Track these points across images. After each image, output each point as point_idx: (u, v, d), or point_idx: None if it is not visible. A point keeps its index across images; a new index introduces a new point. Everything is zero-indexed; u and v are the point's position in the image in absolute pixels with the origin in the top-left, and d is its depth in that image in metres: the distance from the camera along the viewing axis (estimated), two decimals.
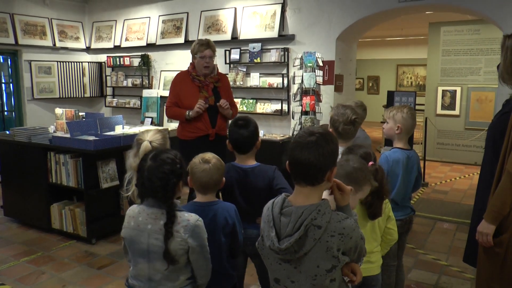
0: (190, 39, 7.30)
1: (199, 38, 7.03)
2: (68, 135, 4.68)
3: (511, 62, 2.24)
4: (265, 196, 2.51)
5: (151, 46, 7.87)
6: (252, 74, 6.78)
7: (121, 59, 8.10)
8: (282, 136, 6.35)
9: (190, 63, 4.36)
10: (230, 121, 2.80)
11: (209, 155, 2.35)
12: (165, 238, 1.95)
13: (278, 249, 1.58)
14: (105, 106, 8.65)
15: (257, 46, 6.63)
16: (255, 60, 6.66)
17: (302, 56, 5.92)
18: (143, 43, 7.93)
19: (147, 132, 2.67)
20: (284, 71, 6.57)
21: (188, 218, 2.02)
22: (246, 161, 2.67)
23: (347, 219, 1.61)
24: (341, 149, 2.73)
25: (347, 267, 1.66)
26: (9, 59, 7.81)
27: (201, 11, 7.22)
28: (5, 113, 7.89)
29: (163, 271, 2.01)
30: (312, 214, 1.55)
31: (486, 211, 2.20)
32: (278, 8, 6.52)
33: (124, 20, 8.25)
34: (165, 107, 4.40)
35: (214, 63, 4.39)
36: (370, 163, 2.29)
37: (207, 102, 4.23)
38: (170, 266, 1.99)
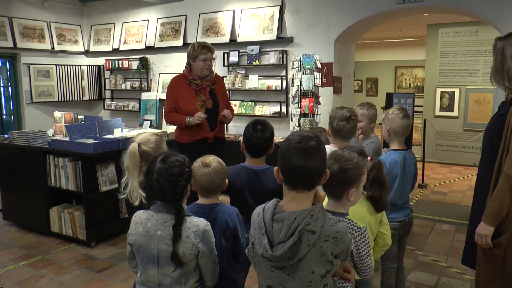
0: (188, 42, 7.31)
1: (197, 41, 7.07)
2: (67, 139, 4.68)
3: (501, 64, 2.29)
4: (275, 198, 2.51)
5: (149, 49, 7.88)
6: (250, 77, 6.79)
7: (120, 62, 8.10)
8: (281, 138, 6.35)
9: (186, 67, 4.35)
10: (247, 124, 2.76)
11: (210, 158, 2.34)
12: (173, 240, 1.94)
13: (271, 256, 1.53)
14: (104, 109, 8.66)
15: (256, 48, 6.64)
16: (253, 63, 6.67)
17: (300, 58, 5.92)
18: (141, 46, 7.94)
19: (141, 135, 2.65)
20: (283, 73, 6.58)
21: (197, 223, 2.01)
22: (257, 163, 2.68)
23: (339, 222, 1.60)
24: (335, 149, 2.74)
25: (340, 267, 1.66)
26: (7, 63, 7.81)
27: (200, 14, 7.23)
28: (4, 116, 7.89)
29: (173, 275, 2.00)
30: (306, 220, 1.52)
31: (484, 213, 2.21)
32: (276, 11, 6.54)
33: (123, 23, 8.26)
34: (163, 112, 4.40)
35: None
36: (369, 158, 2.31)
37: (204, 105, 4.24)
38: (177, 269, 1.99)
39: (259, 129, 2.65)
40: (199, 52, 4.19)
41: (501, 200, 2.11)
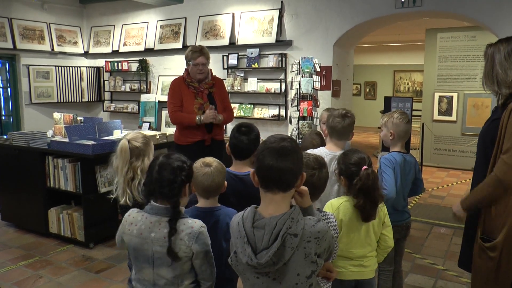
0: (188, 44, 7.33)
1: (196, 43, 7.10)
2: (66, 140, 4.70)
3: (491, 69, 2.34)
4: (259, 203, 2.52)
5: (149, 51, 7.90)
6: (249, 79, 6.81)
7: (119, 64, 8.12)
8: None
9: (185, 69, 4.38)
10: (233, 126, 2.80)
11: (210, 159, 2.37)
12: (169, 235, 1.95)
13: (257, 264, 1.53)
14: (103, 110, 8.66)
15: (255, 51, 6.66)
16: (252, 65, 6.70)
17: (299, 62, 5.95)
18: (141, 48, 7.96)
19: (131, 134, 2.75)
20: (282, 77, 6.60)
21: (192, 225, 2.02)
22: (241, 168, 2.66)
23: (319, 222, 1.61)
24: (339, 153, 2.75)
25: (322, 267, 1.67)
26: (7, 64, 7.82)
27: (199, 16, 7.26)
28: (3, 117, 7.89)
29: (168, 276, 2.02)
30: (287, 223, 1.53)
31: (464, 196, 2.37)
32: (275, 14, 6.57)
33: (123, 25, 8.28)
34: (169, 112, 4.33)
35: (209, 67, 4.41)
36: (364, 167, 2.32)
37: (202, 108, 4.26)
38: (172, 268, 2.00)
39: (244, 131, 2.67)
40: (191, 57, 4.23)
41: (482, 192, 2.23)
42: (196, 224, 2.03)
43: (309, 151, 2.66)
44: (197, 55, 4.21)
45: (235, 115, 6.53)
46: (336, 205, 2.38)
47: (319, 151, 2.86)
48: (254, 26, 6.75)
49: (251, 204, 2.50)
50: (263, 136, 6.80)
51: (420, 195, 6.79)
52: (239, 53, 6.86)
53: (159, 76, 7.88)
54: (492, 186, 2.17)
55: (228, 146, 2.72)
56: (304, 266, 1.56)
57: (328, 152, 2.85)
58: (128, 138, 2.66)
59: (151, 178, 2.04)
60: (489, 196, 2.20)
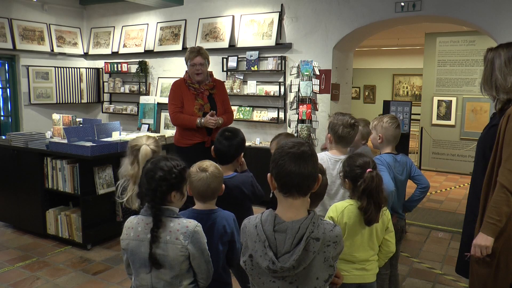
0: (187, 46, 7.33)
1: (196, 45, 7.09)
2: (65, 141, 4.69)
3: (490, 74, 2.34)
4: (244, 205, 2.51)
5: (149, 53, 7.90)
6: (249, 82, 6.81)
7: (119, 65, 8.11)
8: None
9: (186, 71, 4.40)
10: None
11: (207, 163, 2.35)
12: (150, 242, 1.98)
13: (280, 268, 1.52)
14: (102, 112, 8.65)
15: (254, 54, 6.67)
16: (252, 68, 6.70)
17: (299, 65, 5.96)
18: (141, 49, 7.96)
19: (141, 138, 2.74)
20: (281, 79, 6.61)
21: (186, 224, 2.03)
22: (225, 172, 2.64)
23: (336, 226, 1.63)
24: (343, 157, 2.76)
25: None
26: (6, 64, 7.81)
27: (199, 19, 7.27)
28: (2, 118, 7.88)
29: (166, 278, 2.02)
30: (309, 227, 1.54)
31: (482, 225, 2.16)
32: (275, 17, 6.57)
33: (122, 26, 8.28)
34: (170, 113, 4.33)
35: (209, 69, 4.42)
36: (368, 170, 2.32)
37: (202, 109, 4.26)
38: (168, 271, 2.00)
39: (227, 136, 2.68)
40: (188, 57, 4.27)
41: (498, 210, 2.09)
42: (191, 223, 2.04)
43: None
44: (194, 55, 4.23)
45: (234, 117, 6.56)
46: (340, 208, 2.38)
47: (321, 156, 2.86)
48: (254, 28, 6.76)
49: (234, 206, 2.49)
50: (262, 139, 6.79)
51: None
52: (239, 56, 6.86)
53: (159, 78, 7.88)
54: (505, 201, 2.08)
55: (213, 150, 2.73)
56: (323, 270, 1.57)
57: (331, 156, 2.85)
58: (147, 143, 2.68)
59: (140, 183, 2.09)
60: (507, 208, 2.09)
